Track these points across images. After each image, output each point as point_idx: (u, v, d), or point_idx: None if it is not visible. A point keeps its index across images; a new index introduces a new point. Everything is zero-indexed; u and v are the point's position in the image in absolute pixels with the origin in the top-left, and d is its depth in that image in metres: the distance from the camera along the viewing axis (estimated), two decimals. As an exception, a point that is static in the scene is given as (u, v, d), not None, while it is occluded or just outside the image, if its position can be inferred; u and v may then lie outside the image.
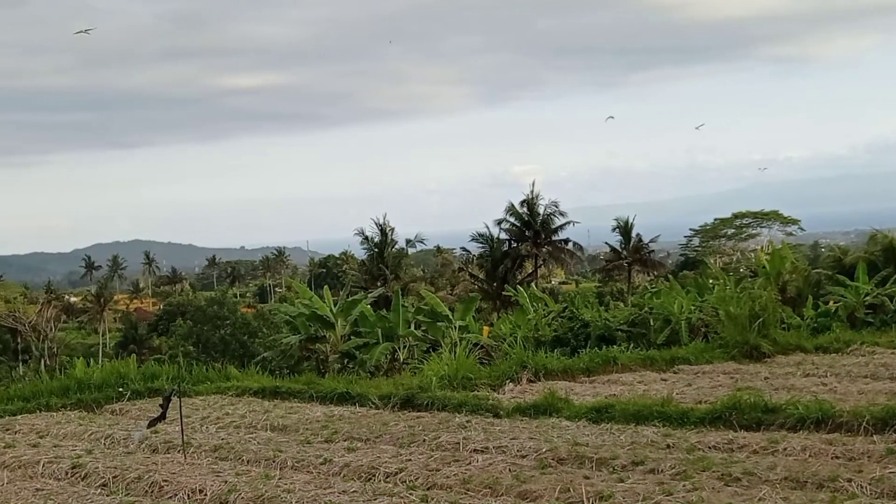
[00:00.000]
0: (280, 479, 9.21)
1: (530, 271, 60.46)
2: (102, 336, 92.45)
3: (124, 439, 11.90)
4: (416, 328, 25.24)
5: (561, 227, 60.85)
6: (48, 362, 61.48)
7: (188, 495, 8.98)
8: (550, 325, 23.75)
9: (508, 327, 24.13)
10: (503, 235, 60.20)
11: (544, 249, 60.47)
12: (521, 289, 29.77)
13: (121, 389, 15.86)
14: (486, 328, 25.66)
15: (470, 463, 9.49)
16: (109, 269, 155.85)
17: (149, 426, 11.25)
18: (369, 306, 26.60)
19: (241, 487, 8.86)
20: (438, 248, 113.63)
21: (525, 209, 60.19)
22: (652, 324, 22.52)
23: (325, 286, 31.07)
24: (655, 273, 60.18)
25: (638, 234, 64.19)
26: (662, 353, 18.08)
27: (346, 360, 24.47)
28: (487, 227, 59.93)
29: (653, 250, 65.71)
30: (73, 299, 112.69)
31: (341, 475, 9.48)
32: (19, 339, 71.83)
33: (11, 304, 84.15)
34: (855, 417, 10.23)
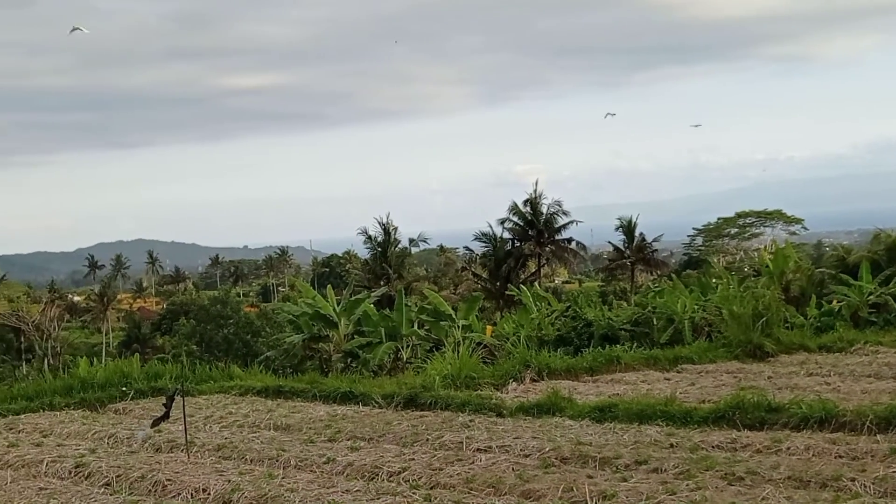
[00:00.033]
0: (283, 478, 9.22)
1: (533, 270, 60.49)
2: (106, 335, 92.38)
3: (128, 438, 11.90)
4: (419, 327, 25.22)
5: (564, 226, 61.01)
6: (51, 361, 61.51)
7: (192, 494, 8.98)
8: (554, 325, 23.71)
9: (512, 327, 24.11)
10: (506, 235, 60.37)
11: (547, 249, 60.56)
12: (525, 288, 29.71)
13: (124, 389, 15.88)
14: (489, 327, 25.64)
15: (473, 462, 9.50)
16: (113, 268, 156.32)
17: (152, 425, 11.25)
18: (372, 306, 26.58)
19: (244, 486, 8.86)
20: (441, 248, 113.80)
21: (528, 208, 60.26)
22: (655, 323, 22.48)
23: (329, 285, 31.05)
24: (659, 272, 60.07)
25: (641, 234, 64.20)
26: (666, 352, 18.11)
27: (349, 360, 24.46)
28: (490, 227, 60.09)
29: (656, 249, 65.64)
30: (76, 298, 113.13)
31: (345, 474, 9.48)
32: (23, 339, 71.94)
33: (15, 303, 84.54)
34: (858, 417, 10.24)
